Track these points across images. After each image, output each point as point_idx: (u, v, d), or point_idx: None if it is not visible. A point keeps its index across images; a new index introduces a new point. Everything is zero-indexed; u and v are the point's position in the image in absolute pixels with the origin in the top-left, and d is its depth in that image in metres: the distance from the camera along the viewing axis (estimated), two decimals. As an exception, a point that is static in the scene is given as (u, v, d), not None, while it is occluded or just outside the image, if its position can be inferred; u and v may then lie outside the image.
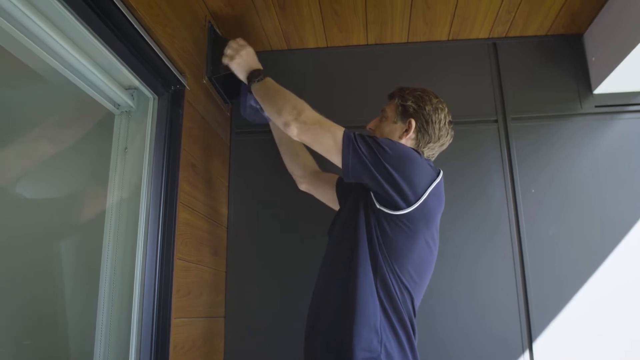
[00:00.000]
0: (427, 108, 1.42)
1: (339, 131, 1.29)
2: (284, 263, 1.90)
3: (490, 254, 1.82)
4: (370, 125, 1.54)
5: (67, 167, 1.61)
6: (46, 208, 1.61)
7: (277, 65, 2.09)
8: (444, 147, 1.49)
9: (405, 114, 1.43)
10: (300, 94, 2.02)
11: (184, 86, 1.53)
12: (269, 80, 1.52)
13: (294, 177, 1.76)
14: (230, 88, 1.89)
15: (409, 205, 1.24)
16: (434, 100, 1.43)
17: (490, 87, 1.99)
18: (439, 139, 1.43)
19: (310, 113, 1.34)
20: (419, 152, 1.36)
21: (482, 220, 1.85)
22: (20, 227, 1.58)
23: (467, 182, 1.89)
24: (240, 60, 1.58)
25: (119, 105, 1.47)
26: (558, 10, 1.85)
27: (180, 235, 1.46)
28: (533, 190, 1.86)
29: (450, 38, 2.04)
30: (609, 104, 1.93)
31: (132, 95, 1.47)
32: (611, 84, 1.87)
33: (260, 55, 2.08)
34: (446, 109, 1.45)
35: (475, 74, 2.01)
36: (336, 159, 1.28)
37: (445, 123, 1.43)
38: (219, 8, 1.81)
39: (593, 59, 1.93)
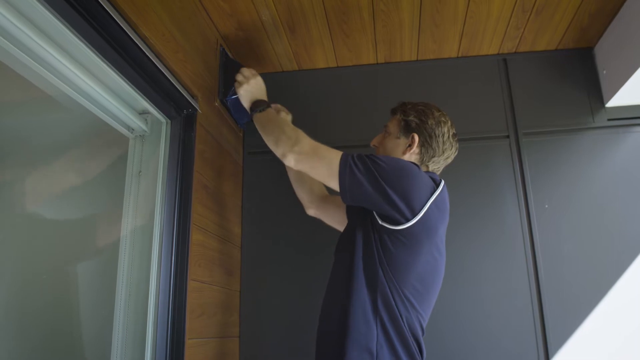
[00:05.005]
0: (429, 122, 1.41)
1: (335, 156, 1.28)
2: (298, 282, 1.90)
3: (504, 271, 1.80)
4: (374, 142, 1.54)
5: (83, 191, 1.64)
6: (63, 230, 1.64)
7: (288, 86, 2.13)
8: (449, 161, 1.47)
9: (407, 129, 1.43)
10: (312, 113, 2.07)
11: (196, 109, 1.56)
12: (270, 111, 1.53)
13: (302, 202, 1.74)
14: (242, 111, 1.92)
15: (408, 220, 1.23)
16: (437, 114, 1.43)
17: (501, 102, 1.99)
18: (443, 152, 1.42)
19: (306, 142, 1.34)
20: (418, 166, 1.36)
21: (495, 236, 1.84)
22: (37, 249, 1.61)
23: (479, 199, 1.88)
24: (249, 88, 1.59)
25: (132, 129, 1.51)
26: (567, 25, 1.85)
27: (193, 256, 1.48)
28: (547, 206, 1.84)
29: (459, 55, 2.05)
30: (621, 116, 1.91)
31: (145, 119, 1.50)
32: (623, 97, 1.85)
33: (271, 76, 2.13)
34: (449, 122, 1.44)
35: (486, 90, 2.02)
36: (334, 184, 1.28)
37: (449, 136, 1.42)
38: (230, 32, 1.85)
39: (604, 72, 1.93)
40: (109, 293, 1.40)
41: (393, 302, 1.23)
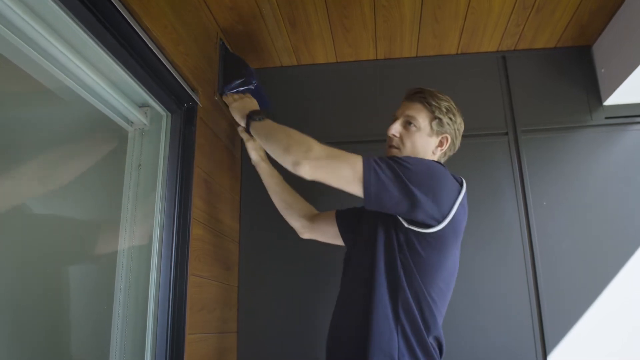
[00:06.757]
0: (457, 121, 1.39)
1: (357, 160, 1.19)
2: (296, 277, 1.90)
3: (502, 267, 1.81)
4: (394, 132, 1.40)
5: (81, 185, 1.62)
6: (60, 225, 1.62)
7: (287, 81, 2.12)
8: None
9: (441, 129, 1.37)
10: (310, 109, 2.06)
11: (197, 103, 1.55)
12: (269, 120, 1.45)
13: (295, 229, 1.68)
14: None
15: (439, 223, 1.20)
16: (459, 111, 1.41)
17: (500, 99, 2.00)
18: (457, 149, 1.43)
19: (320, 147, 1.23)
20: (443, 165, 1.33)
21: (494, 233, 1.84)
22: (34, 245, 1.59)
23: (478, 196, 1.89)
24: (242, 102, 1.57)
25: (132, 122, 1.49)
26: (566, 22, 1.85)
27: (193, 251, 1.46)
28: (545, 203, 1.85)
29: (459, 51, 2.05)
30: (619, 115, 1.93)
31: (145, 113, 1.48)
32: (621, 95, 1.87)
33: (270, 71, 2.12)
34: None
35: (485, 86, 2.02)
36: (356, 189, 1.19)
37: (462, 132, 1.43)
38: (230, 25, 1.83)
39: (602, 70, 1.94)
40: (108, 288, 1.38)
41: (414, 309, 1.20)
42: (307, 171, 1.20)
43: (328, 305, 1.79)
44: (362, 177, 1.17)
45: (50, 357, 1.50)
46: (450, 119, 1.37)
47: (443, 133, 1.38)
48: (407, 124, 1.38)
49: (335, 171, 1.20)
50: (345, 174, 1.18)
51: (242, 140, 2.05)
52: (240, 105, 1.56)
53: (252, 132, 1.46)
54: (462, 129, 1.42)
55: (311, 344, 1.82)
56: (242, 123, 1.52)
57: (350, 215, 1.57)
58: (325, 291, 1.86)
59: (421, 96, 1.39)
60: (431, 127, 1.37)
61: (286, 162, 1.24)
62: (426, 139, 1.37)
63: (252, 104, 1.57)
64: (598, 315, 1.74)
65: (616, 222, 1.82)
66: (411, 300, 1.20)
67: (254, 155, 1.67)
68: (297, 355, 1.82)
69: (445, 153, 1.41)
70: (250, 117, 1.48)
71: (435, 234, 1.21)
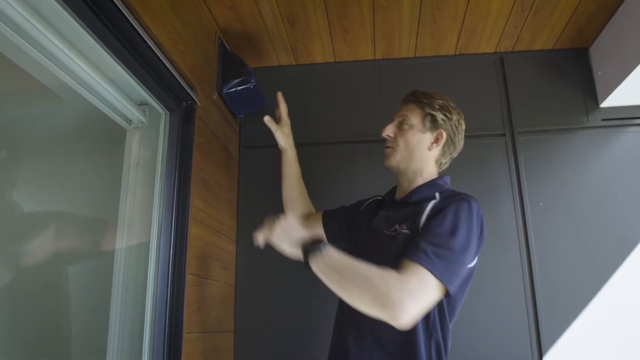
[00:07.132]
0: (454, 118, 1.38)
1: (426, 276, 1.08)
2: (293, 277, 1.89)
3: (499, 268, 1.81)
4: (389, 132, 1.42)
5: (79, 183, 1.62)
6: (58, 224, 1.62)
7: (285, 80, 2.12)
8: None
9: (434, 125, 1.37)
10: (309, 108, 2.06)
11: (195, 102, 1.54)
12: (333, 252, 1.17)
13: None
14: (239, 103, 1.90)
15: (475, 256, 1.22)
16: (456, 109, 1.41)
17: (497, 101, 2.00)
18: (458, 148, 1.43)
19: (406, 286, 1.06)
20: (469, 202, 1.27)
21: (490, 234, 1.82)
22: (31, 242, 1.58)
23: (475, 196, 1.88)
24: (282, 231, 1.30)
25: (131, 121, 1.49)
26: (564, 24, 1.86)
27: (191, 250, 1.46)
28: (541, 204, 1.86)
29: (457, 53, 2.06)
30: (615, 117, 1.94)
31: (144, 111, 1.48)
32: (618, 98, 1.88)
33: (268, 70, 2.12)
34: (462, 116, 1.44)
35: (483, 88, 2.02)
36: (440, 298, 1.14)
37: (464, 132, 1.43)
38: (228, 24, 1.83)
39: (599, 72, 1.95)
40: (106, 286, 1.38)
41: (442, 347, 1.19)
42: (407, 323, 1.05)
43: (325, 305, 1.80)
44: (445, 290, 1.11)
45: (48, 355, 1.49)
46: (446, 115, 1.38)
47: (437, 129, 1.38)
48: (401, 124, 1.41)
49: (427, 305, 1.10)
50: (434, 298, 1.11)
51: (239, 138, 2.06)
52: (283, 233, 1.30)
53: (313, 266, 1.19)
54: (461, 127, 1.41)
55: (308, 343, 1.82)
56: (296, 255, 1.27)
57: (338, 219, 1.57)
58: (322, 291, 1.86)
59: (414, 97, 1.43)
60: (423, 123, 1.38)
61: (377, 315, 1.07)
62: (419, 136, 1.38)
63: (295, 231, 1.30)
64: (594, 315, 1.75)
65: (612, 223, 1.83)
66: (441, 342, 1.19)
67: (283, 141, 1.63)
68: (293, 355, 1.82)
69: (444, 150, 1.40)
70: (310, 250, 1.20)
71: (471, 268, 1.22)
